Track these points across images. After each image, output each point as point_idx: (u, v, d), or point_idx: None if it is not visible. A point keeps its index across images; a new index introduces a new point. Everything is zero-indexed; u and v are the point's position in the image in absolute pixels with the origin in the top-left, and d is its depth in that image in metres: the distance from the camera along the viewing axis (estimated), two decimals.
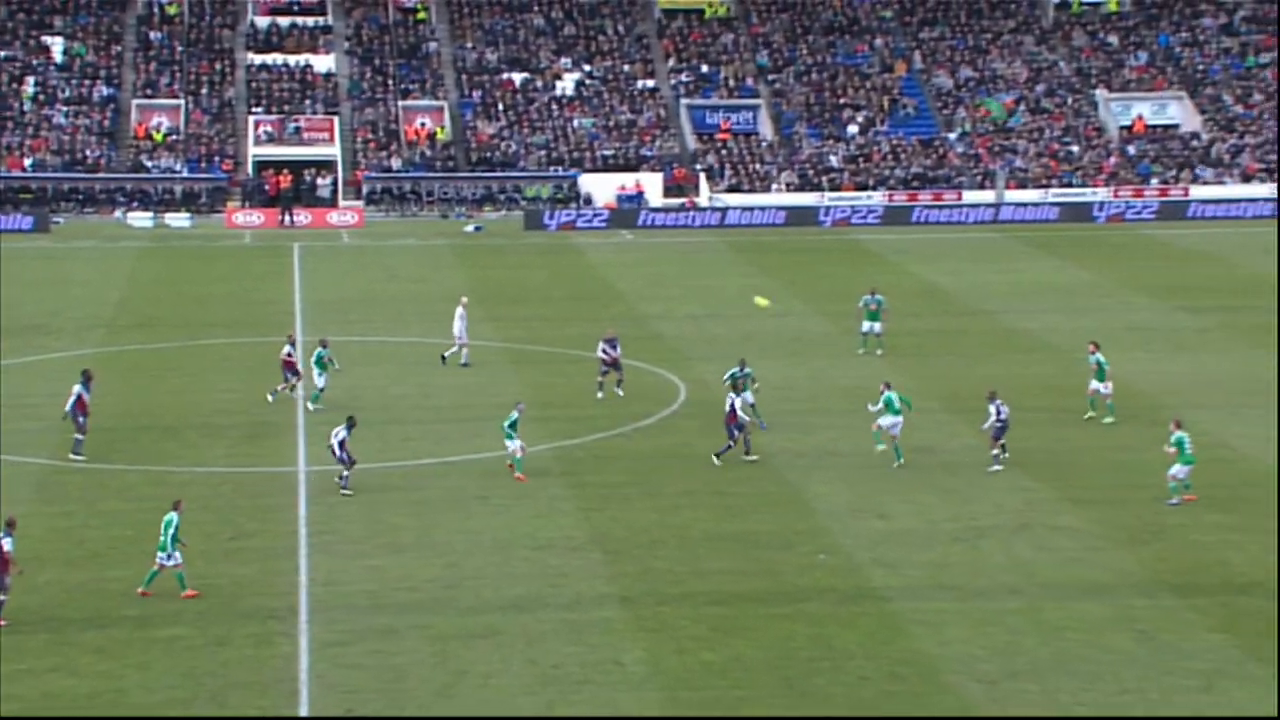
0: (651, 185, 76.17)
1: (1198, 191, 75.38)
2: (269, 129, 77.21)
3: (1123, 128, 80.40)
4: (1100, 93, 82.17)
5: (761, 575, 27.57)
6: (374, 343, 46.60)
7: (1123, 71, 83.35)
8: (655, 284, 57.65)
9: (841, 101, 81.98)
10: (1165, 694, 22.85)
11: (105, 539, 29.28)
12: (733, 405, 34.16)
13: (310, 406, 38.00)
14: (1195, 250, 63.94)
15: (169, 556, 26.26)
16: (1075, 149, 78.91)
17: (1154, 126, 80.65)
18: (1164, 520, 30.15)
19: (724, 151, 78.96)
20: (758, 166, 78.08)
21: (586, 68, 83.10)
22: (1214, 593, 26.49)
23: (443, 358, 42.99)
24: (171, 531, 26.29)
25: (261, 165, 75.91)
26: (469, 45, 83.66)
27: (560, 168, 77.41)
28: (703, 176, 76.80)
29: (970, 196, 75.36)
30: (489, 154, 77.80)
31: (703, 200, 75.55)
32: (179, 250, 65.34)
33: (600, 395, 39.60)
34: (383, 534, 29.52)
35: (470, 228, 71.55)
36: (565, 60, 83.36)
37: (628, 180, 76.14)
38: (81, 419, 34.09)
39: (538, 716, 22.42)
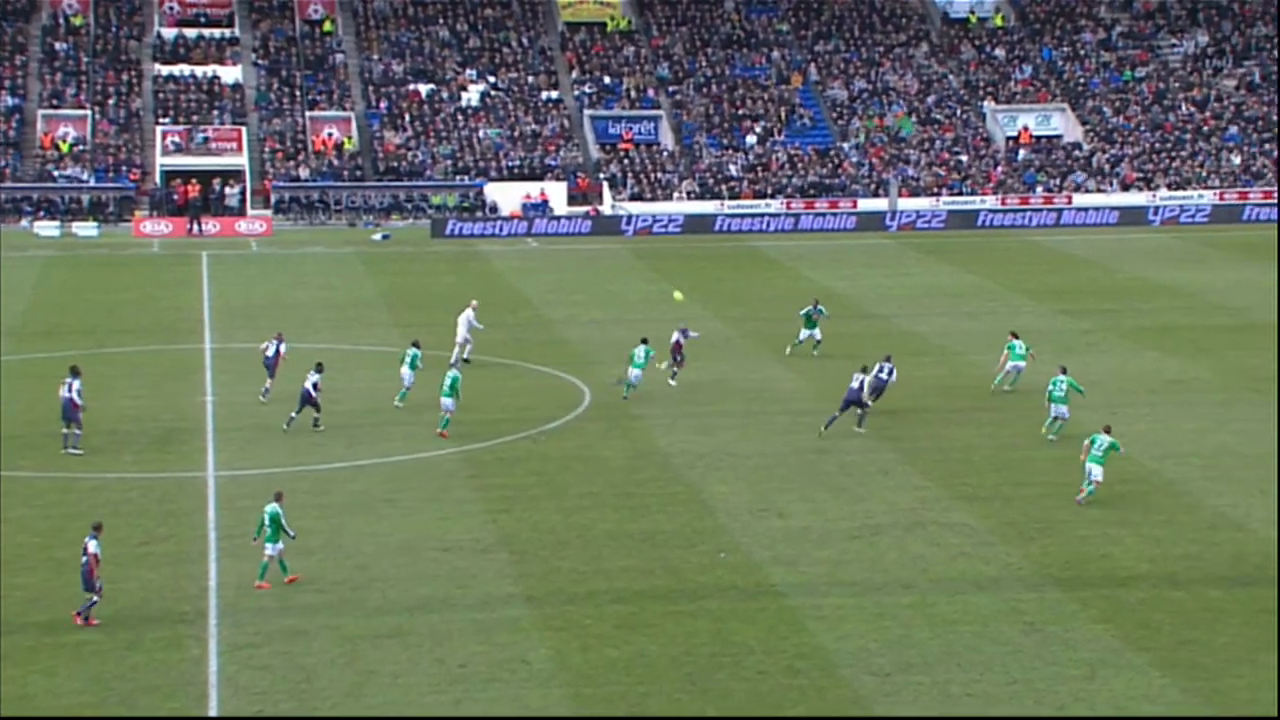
0: (556, 194, 76.10)
1: (1079, 200, 76.62)
2: (176, 139, 76.15)
3: (1009, 138, 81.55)
4: (988, 104, 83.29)
5: (664, 573, 27.63)
6: (282, 349, 46.05)
7: (1009, 84, 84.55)
8: (560, 290, 57.62)
9: (740, 112, 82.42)
10: (1050, 683, 23.19)
11: (12, 545, 28.70)
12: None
13: (397, 403, 38.69)
14: (1076, 255, 65.00)
15: (273, 546, 26.58)
16: (964, 158, 79.93)
17: (1039, 137, 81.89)
18: (1050, 516, 30.59)
19: (626, 161, 79.08)
20: (659, 175, 78.28)
21: (491, 79, 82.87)
22: (1097, 585, 26.92)
23: (466, 360, 42.94)
24: (276, 524, 26.57)
25: (170, 175, 74.85)
26: (375, 57, 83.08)
27: (466, 177, 77.10)
28: (606, 185, 76.86)
29: (865, 204, 76.08)
30: (396, 163, 77.29)
31: (605, 208, 75.60)
32: (86, 259, 64.23)
33: (673, 383, 40.82)
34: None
35: (378, 236, 71.07)
36: (471, 72, 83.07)
37: (533, 189, 76.02)
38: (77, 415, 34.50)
39: (450, 717, 22.31)
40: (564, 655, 24.18)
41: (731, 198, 76.88)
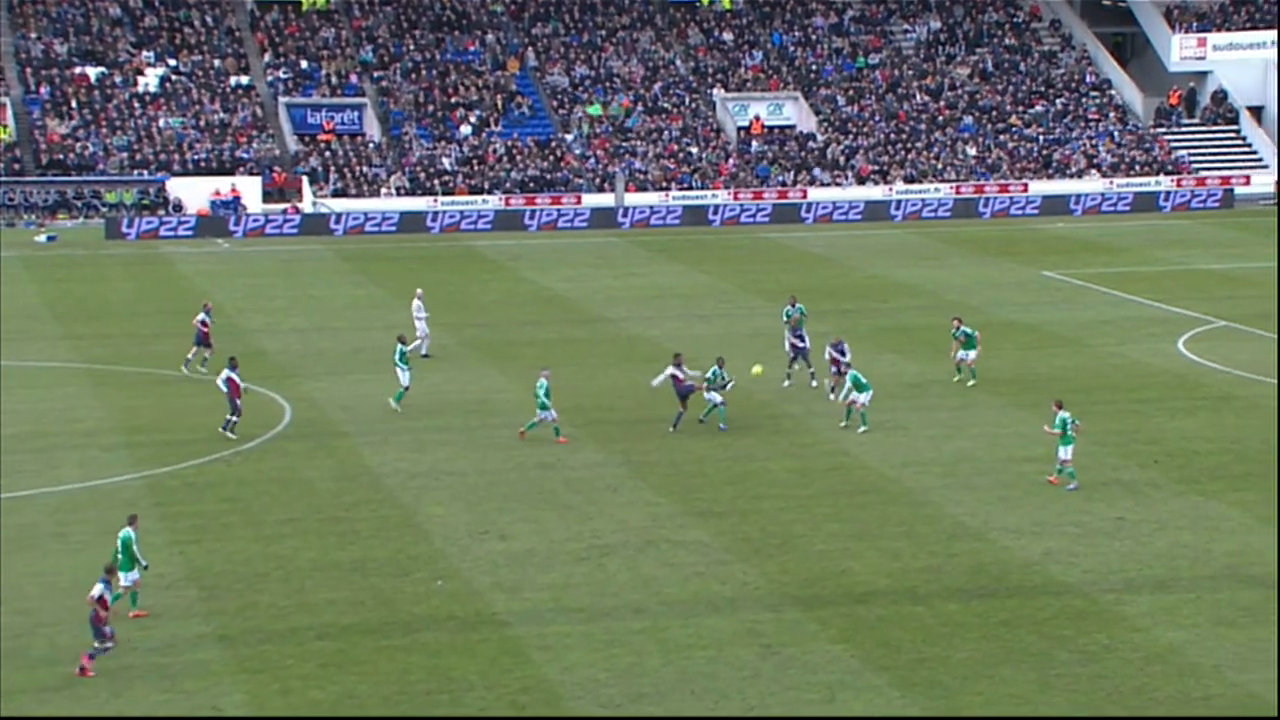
0: (249, 190, 74.59)
1: (814, 194, 78.84)
2: None
3: (740, 128, 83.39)
4: (717, 92, 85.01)
5: (374, 605, 27.34)
6: None
7: (739, 71, 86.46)
8: (257, 296, 56.51)
9: (453, 101, 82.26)
10: (789, 708, 23.75)
11: None
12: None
13: (394, 406, 39.49)
14: (813, 253, 66.87)
15: (127, 576, 26.43)
16: (694, 150, 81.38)
17: (771, 127, 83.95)
18: (788, 531, 31.35)
19: (328, 153, 78.06)
20: (365, 169, 77.49)
21: (172, 62, 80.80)
22: (835, 603, 27.70)
23: (425, 355, 44.76)
24: (129, 550, 26.50)
25: None
26: (33, 36, 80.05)
27: (145, 171, 74.92)
28: (305, 180, 75.70)
29: (589, 200, 76.77)
30: (62, 156, 74.61)
31: (306, 205, 74.48)
32: None
33: (788, 384, 42.05)
34: None
35: (42, 238, 68.61)
36: (147, 54, 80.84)
37: (223, 185, 74.36)
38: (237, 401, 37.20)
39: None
40: (262, 700, 23.71)
41: (445, 193, 76.63)
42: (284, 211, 73.25)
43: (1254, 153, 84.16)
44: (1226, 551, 29.91)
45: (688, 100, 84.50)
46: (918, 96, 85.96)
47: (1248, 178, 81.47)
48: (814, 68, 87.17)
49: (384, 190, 76.56)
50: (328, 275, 61.24)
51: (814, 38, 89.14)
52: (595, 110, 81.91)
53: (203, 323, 43.26)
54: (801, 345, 42.54)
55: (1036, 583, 28.46)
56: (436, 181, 77.24)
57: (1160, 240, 68.94)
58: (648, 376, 43.83)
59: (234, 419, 37.42)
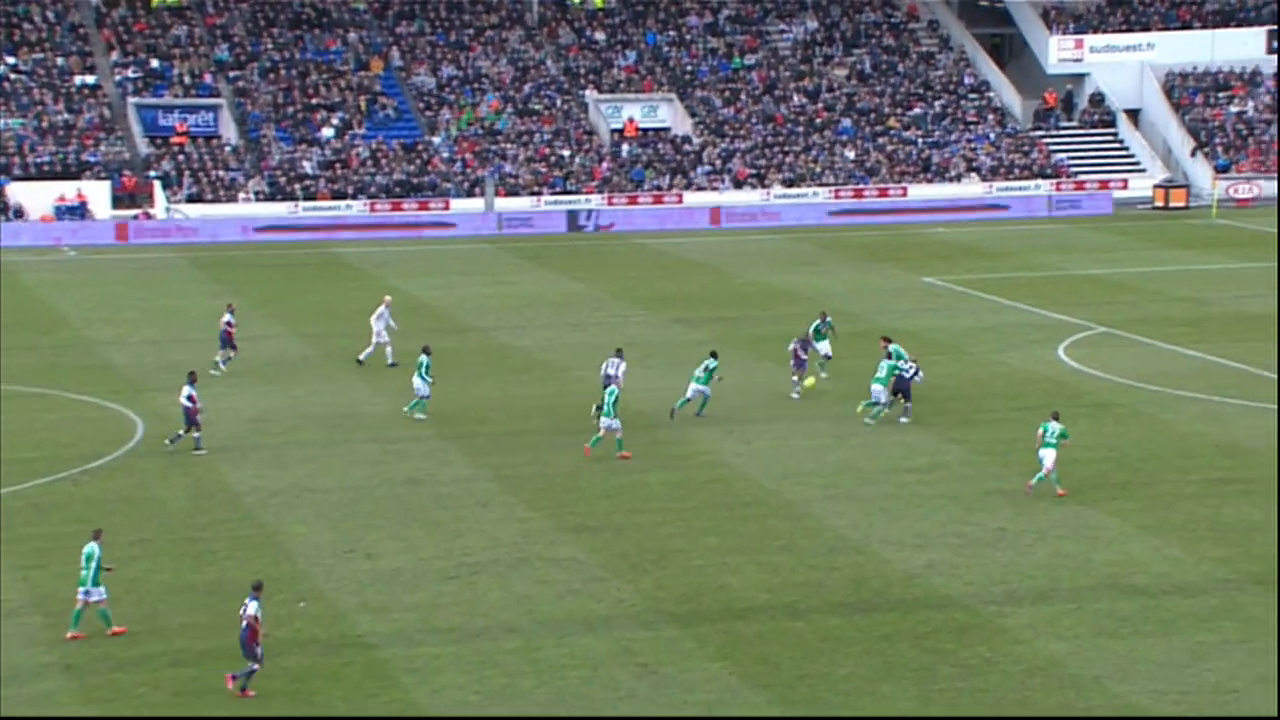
0: (97, 195, 73.43)
1: (691, 198, 79.21)
2: None
3: (614, 131, 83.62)
4: (590, 94, 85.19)
5: (232, 629, 26.94)
6: None
7: (612, 71, 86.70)
8: (106, 306, 55.69)
9: (314, 101, 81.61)
10: None
11: None
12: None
13: (418, 416, 40.12)
14: (688, 259, 67.24)
15: (88, 592, 26.49)
16: (566, 153, 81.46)
17: (646, 130, 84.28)
18: (665, 546, 31.49)
19: (182, 157, 77.07)
20: (222, 173, 76.64)
21: (10, 60, 79.36)
22: (714, 620, 27.87)
23: (392, 364, 45.11)
24: (95, 565, 26.53)
25: None
26: None
27: None
28: (158, 185, 74.67)
29: (458, 205, 76.56)
30: None
31: (158, 212, 73.50)
32: None
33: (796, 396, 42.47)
34: None
35: None
36: None
37: (68, 190, 73.13)
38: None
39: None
40: None
41: (307, 198, 76.00)
42: (135, 218, 72.22)
43: (1132, 156, 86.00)
44: (1106, 561, 30.54)
45: (559, 102, 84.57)
46: (795, 98, 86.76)
47: (1125, 181, 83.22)
48: (689, 69, 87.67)
49: (242, 195, 75.74)
50: (181, 284, 60.50)
51: (688, 38, 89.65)
52: (464, 121, 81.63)
53: (228, 324, 44.89)
54: (805, 358, 43.11)
55: (918, 596, 28.85)
56: (298, 186, 76.56)
57: (1040, 245, 70.21)
58: (519, 388, 43.78)
59: (197, 434, 37.11)
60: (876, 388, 40.02)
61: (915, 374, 40.33)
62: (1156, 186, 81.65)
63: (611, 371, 39.77)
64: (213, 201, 74.80)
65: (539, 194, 78.43)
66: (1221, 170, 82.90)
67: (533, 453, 37.76)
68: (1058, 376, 45.47)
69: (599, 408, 37.69)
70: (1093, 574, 29.87)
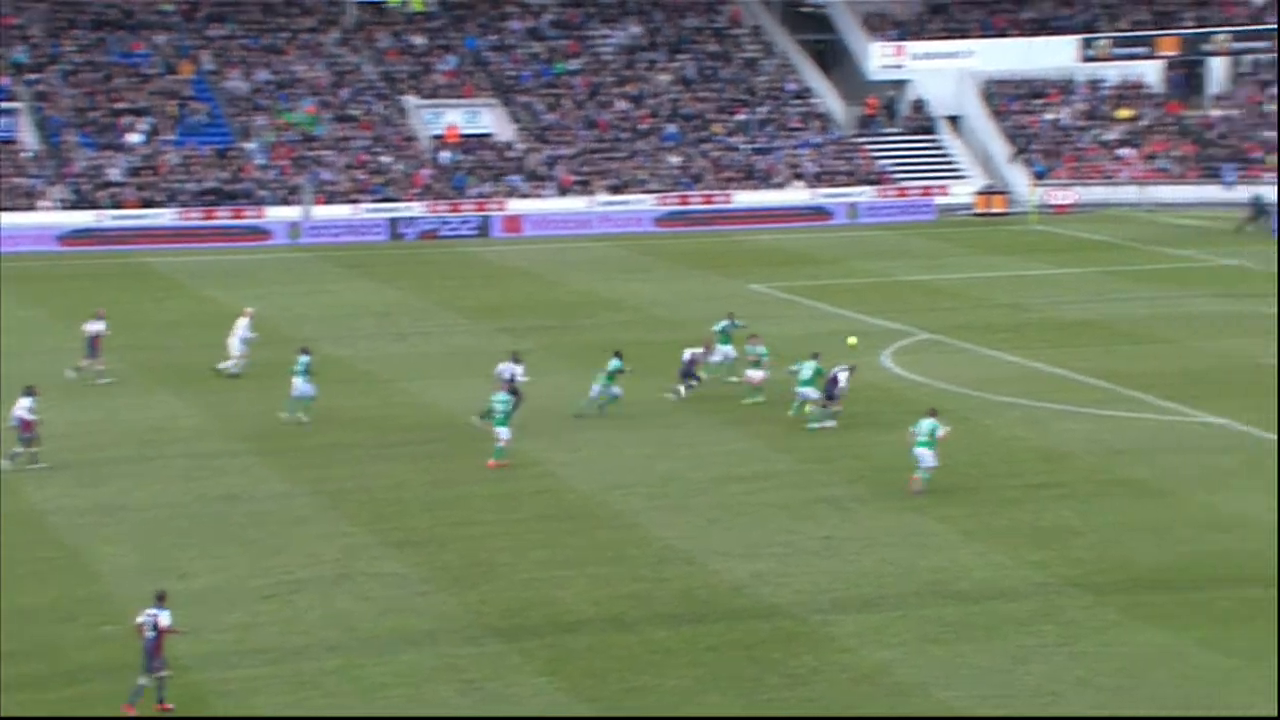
0: None
1: (514, 205, 79.05)
2: None
3: (435, 137, 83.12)
4: (410, 99, 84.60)
5: (36, 656, 26.33)
6: None
7: (432, 76, 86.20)
8: None
9: (119, 106, 79.94)
10: None
11: None
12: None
13: (302, 418, 39.98)
14: (512, 267, 67.08)
15: None
16: (386, 160, 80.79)
17: (468, 136, 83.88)
18: (492, 559, 31.32)
19: None
20: (21, 181, 74.69)
21: None
22: (541, 633, 27.76)
23: (216, 369, 45.45)
24: None
25: None
26: None
27: None
28: None
29: (274, 213, 75.51)
30: None
31: None
32: None
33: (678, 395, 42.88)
34: None
35: None
36: None
37: None
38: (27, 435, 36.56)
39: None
40: None
41: (114, 206, 74.38)
42: None
43: (953, 163, 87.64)
44: (932, 567, 30.99)
45: (378, 107, 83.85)
46: (619, 104, 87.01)
47: (945, 188, 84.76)
48: (511, 73, 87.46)
49: (42, 203, 73.86)
50: None
51: (510, 42, 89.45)
52: (304, 120, 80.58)
53: (96, 332, 45.04)
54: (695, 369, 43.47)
55: (746, 605, 29.03)
56: (104, 194, 74.90)
57: (863, 251, 71.21)
58: (340, 399, 43.22)
59: (34, 450, 36.24)
60: (805, 390, 40.47)
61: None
62: (978, 193, 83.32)
63: (507, 376, 39.50)
64: (10, 210, 72.80)
65: (358, 201, 77.64)
66: (1040, 177, 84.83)
67: (354, 465, 37.35)
68: (882, 383, 46.09)
69: (483, 415, 37.54)
70: (918, 580, 30.29)
